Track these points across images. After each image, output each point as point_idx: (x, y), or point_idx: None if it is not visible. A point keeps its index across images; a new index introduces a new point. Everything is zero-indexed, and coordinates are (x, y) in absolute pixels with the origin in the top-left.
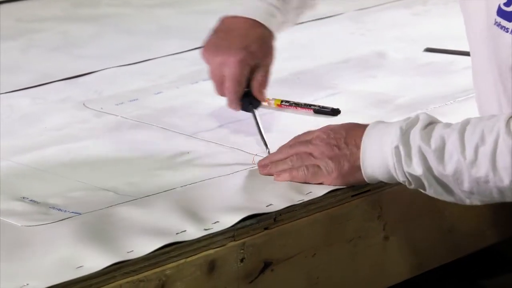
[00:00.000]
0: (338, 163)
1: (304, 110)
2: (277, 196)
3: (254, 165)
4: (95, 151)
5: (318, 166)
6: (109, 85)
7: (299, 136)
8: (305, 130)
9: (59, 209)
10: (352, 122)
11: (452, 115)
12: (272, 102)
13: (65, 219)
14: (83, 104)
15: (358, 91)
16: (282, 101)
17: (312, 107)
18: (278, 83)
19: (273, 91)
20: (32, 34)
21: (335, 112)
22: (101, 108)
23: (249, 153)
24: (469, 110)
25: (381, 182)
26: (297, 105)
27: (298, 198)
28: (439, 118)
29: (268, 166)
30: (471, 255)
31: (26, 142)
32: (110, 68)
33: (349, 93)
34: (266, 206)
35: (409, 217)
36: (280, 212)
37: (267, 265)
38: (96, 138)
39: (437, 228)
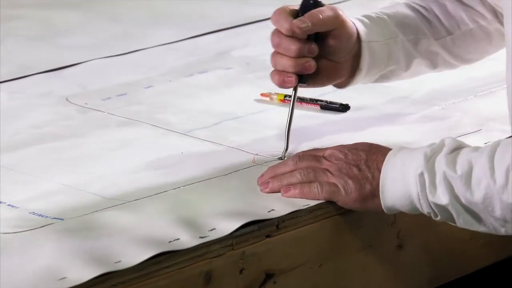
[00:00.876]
0: (359, 184)
1: (309, 106)
2: (280, 200)
3: (255, 165)
4: (79, 151)
5: (335, 185)
6: (95, 78)
7: (305, 151)
8: (312, 128)
9: (40, 215)
10: (371, 142)
11: (473, 111)
12: (275, 97)
13: (46, 225)
14: (66, 99)
15: (370, 85)
16: (285, 95)
17: (318, 102)
18: None
19: (274, 85)
20: (10, 21)
21: (344, 108)
22: (86, 104)
23: (249, 152)
24: (492, 106)
25: None
26: (302, 100)
27: (303, 202)
28: (458, 114)
29: (269, 182)
30: (494, 265)
31: (3, 141)
32: (96, 59)
33: (360, 86)
34: (268, 211)
35: (426, 224)
36: (283, 218)
37: (268, 276)
38: (81, 136)
39: (456, 236)
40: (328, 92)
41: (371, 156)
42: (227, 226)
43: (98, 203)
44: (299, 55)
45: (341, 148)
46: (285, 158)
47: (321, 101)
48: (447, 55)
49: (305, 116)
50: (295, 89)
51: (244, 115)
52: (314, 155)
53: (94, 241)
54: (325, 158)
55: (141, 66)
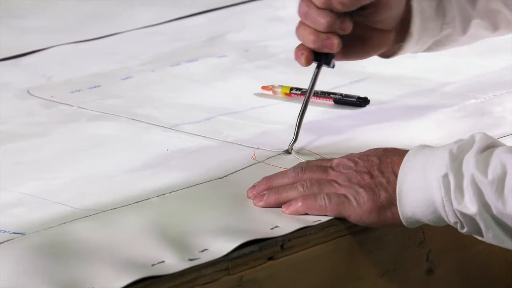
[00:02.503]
0: (372, 192)
1: (321, 100)
2: (285, 215)
3: (255, 163)
4: (43, 152)
5: (345, 196)
6: (62, 68)
7: (310, 161)
8: (323, 125)
9: None
10: (387, 147)
11: None
12: (278, 90)
13: (4, 241)
14: (27, 91)
15: (393, 76)
16: (291, 88)
17: (331, 96)
18: (285, 65)
19: (279, 76)
20: None
21: (362, 102)
22: (52, 97)
23: (248, 146)
24: None
25: None
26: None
27: (313, 218)
28: (500, 109)
29: (265, 195)
30: None
31: None
32: (62, 45)
33: (381, 77)
34: (271, 228)
35: (460, 244)
36: (289, 237)
37: None
38: (45, 135)
39: (498, 259)
40: (343, 84)
41: (385, 159)
42: (221, 246)
43: (66, 215)
44: (328, 30)
45: (351, 156)
46: (292, 151)
47: (335, 94)
48: (510, 13)
49: (316, 112)
50: (317, 69)
51: (242, 110)
52: (319, 165)
53: (62, 262)
54: (332, 168)
55: (117, 53)
